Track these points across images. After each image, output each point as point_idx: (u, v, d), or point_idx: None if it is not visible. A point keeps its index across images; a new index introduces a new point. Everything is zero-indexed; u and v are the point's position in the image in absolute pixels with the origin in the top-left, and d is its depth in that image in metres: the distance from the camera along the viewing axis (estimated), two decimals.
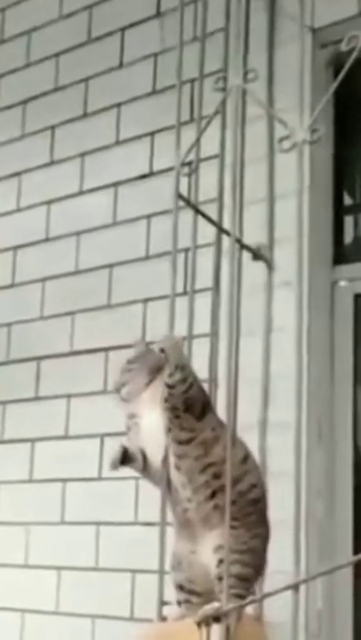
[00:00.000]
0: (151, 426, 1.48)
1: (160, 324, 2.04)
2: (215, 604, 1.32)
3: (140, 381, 1.51)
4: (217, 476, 1.40)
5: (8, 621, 2.19)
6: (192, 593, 1.44)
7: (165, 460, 1.45)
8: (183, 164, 1.55)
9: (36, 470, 2.26)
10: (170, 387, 1.43)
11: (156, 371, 1.51)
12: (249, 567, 1.40)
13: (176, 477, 1.44)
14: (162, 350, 1.46)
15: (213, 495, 1.41)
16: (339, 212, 2.02)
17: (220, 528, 1.37)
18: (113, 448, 1.50)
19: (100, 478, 2.12)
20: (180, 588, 1.45)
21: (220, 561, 1.37)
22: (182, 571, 1.45)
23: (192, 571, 1.44)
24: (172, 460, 1.45)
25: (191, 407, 1.44)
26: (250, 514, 1.43)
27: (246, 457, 1.48)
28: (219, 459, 1.41)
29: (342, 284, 1.97)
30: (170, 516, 1.48)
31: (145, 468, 1.49)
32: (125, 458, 1.49)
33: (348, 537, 1.84)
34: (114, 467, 1.49)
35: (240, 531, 1.40)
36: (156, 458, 1.47)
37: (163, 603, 1.44)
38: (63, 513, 2.17)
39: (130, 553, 2.00)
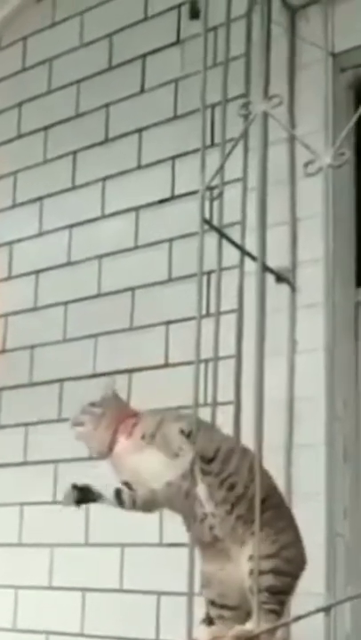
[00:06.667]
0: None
1: (181, 347, 2.07)
2: (247, 627, 1.32)
3: (101, 433, 1.52)
4: (232, 486, 1.41)
5: None
6: (224, 607, 1.43)
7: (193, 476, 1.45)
8: (207, 189, 1.57)
9: (59, 492, 2.25)
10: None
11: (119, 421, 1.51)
12: (283, 576, 1.39)
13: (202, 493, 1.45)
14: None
15: (233, 507, 1.42)
16: None
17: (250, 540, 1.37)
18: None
19: None
20: (212, 603, 1.45)
21: (252, 572, 1.36)
22: (213, 588, 1.45)
23: (223, 586, 1.44)
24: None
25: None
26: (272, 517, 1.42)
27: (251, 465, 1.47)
28: (234, 469, 1.43)
29: None
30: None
31: (135, 503, 1.49)
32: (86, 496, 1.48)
33: None
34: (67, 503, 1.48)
35: (266, 531, 1.39)
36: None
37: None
38: (87, 534, 2.17)
39: (154, 574, 2.00)
